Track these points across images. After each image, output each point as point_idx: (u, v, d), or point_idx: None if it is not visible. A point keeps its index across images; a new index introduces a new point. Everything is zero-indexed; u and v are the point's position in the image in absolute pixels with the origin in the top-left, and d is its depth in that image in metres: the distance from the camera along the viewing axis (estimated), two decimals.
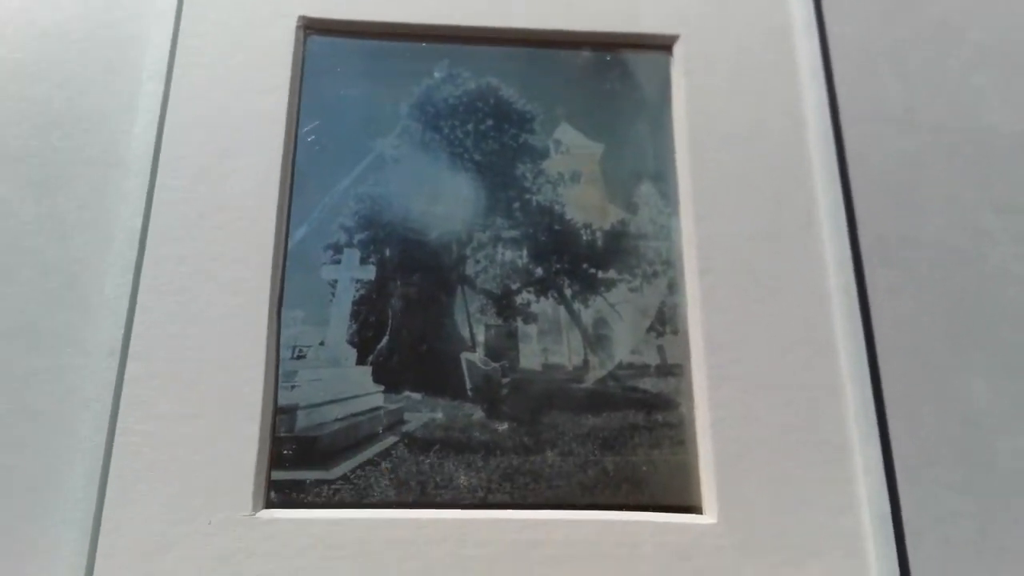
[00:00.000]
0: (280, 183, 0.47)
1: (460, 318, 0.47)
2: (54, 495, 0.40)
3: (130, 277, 0.44)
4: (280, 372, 0.44)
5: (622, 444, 0.45)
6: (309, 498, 0.42)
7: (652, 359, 0.48)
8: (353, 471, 0.43)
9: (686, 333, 0.48)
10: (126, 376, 0.42)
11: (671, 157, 0.52)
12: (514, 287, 0.48)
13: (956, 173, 0.53)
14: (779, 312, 0.48)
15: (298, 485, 0.43)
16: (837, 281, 0.49)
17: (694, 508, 0.44)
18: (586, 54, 0.54)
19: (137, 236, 0.45)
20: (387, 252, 0.48)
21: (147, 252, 0.45)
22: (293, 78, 0.50)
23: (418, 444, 0.44)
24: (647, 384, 0.47)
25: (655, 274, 0.49)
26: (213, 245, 0.45)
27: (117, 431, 0.42)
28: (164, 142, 0.47)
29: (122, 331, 0.43)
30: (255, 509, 0.41)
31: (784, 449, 0.45)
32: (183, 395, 0.43)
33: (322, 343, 0.45)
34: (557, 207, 0.50)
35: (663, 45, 0.54)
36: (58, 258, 0.45)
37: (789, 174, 0.51)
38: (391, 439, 0.44)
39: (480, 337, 0.47)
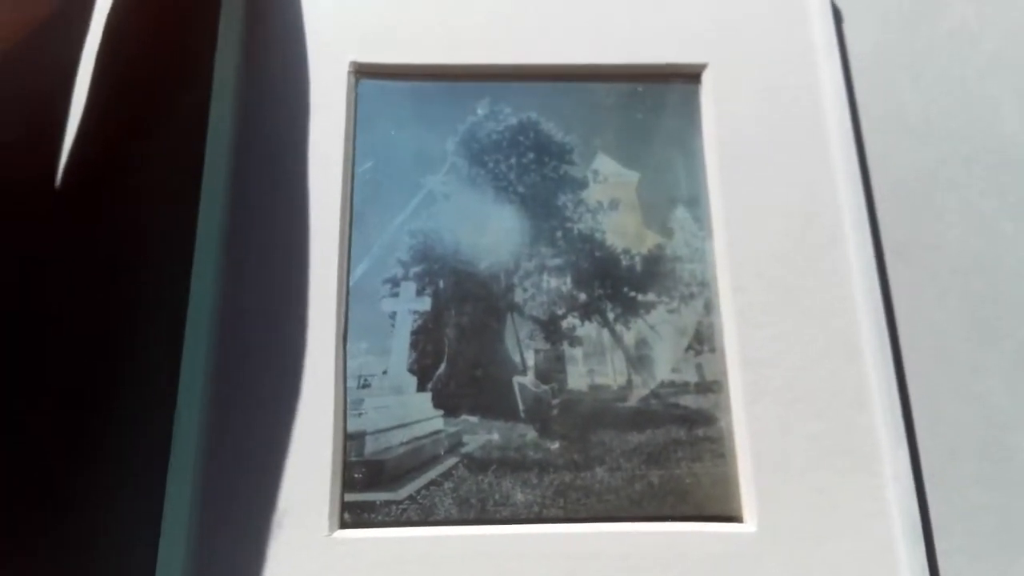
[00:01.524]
0: (340, 222, 0.52)
1: (511, 343, 0.51)
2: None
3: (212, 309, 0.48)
4: (348, 401, 0.48)
5: (666, 459, 0.49)
6: (379, 518, 0.47)
7: (692, 376, 0.51)
8: (418, 491, 0.47)
9: (723, 351, 0.52)
10: (213, 400, 0.47)
11: (703, 182, 0.56)
12: (560, 312, 0.52)
13: (974, 180, 0.56)
14: (809, 326, 0.51)
15: (369, 506, 0.47)
16: (863, 292, 0.52)
17: (735, 517, 0.48)
18: (619, 86, 0.57)
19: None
20: (441, 284, 0.52)
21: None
22: (348, 120, 0.54)
23: (477, 464, 0.48)
24: (688, 401, 0.51)
25: (692, 295, 0.53)
26: (282, 284, 0.50)
27: (206, 453, 0.46)
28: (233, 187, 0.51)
29: (208, 362, 0.47)
30: (331, 530, 0.45)
31: (818, 458, 0.49)
32: (263, 422, 0.47)
33: (385, 372, 0.49)
34: (597, 234, 0.54)
35: (692, 74, 0.58)
36: None
37: (815, 191, 0.55)
38: (452, 460, 0.48)
39: (530, 361, 0.51)
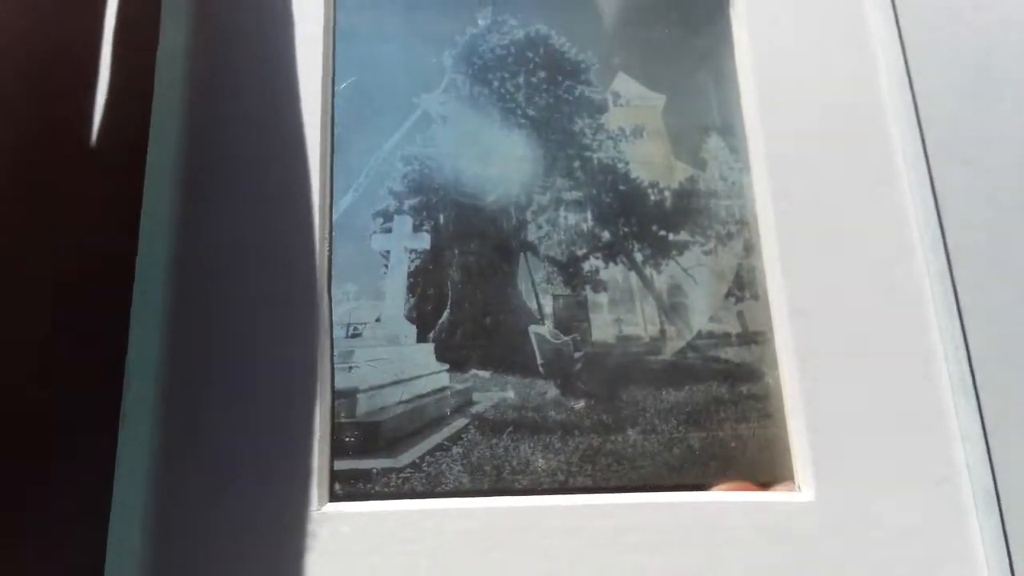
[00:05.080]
0: (321, 145, 0.45)
1: (524, 288, 0.46)
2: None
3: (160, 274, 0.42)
4: (335, 352, 0.42)
5: (707, 419, 0.44)
6: (377, 488, 0.41)
7: (733, 327, 0.46)
8: (422, 457, 0.41)
9: (767, 298, 0.47)
10: (168, 367, 0.40)
11: (737, 108, 0.51)
12: (580, 253, 0.47)
13: None
14: (862, 272, 0.47)
15: (364, 475, 0.41)
16: (921, 235, 0.47)
17: (787, 485, 0.43)
18: None
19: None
20: (440, 219, 0.46)
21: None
22: (326, 31, 0.48)
23: (490, 426, 0.42)
24: (729, 354, 0.46)
25: (729, 235, 0.48)
26: (251, 218, 0.43)
27: (163, 416, 0.40)
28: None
29: (161, 320, 0.41)
30: (320, 503, 0.39)
31: (878, 419, 0.44)
32: (233, 379, 0.41)
33: (378, 319, 0.44)
34: (620, 165, 0.49)
35: None
36: None
37: (863, 120, 0.50)
38: (461, 421, 0.42)
39: (548, 308, 0.45)
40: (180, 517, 0.38)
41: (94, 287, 0.41)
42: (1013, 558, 0.42)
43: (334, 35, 0.49)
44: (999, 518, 0.43)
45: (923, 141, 0.50)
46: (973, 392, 0.45)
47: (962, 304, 0.47)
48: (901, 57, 0.51)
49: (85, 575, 0.38)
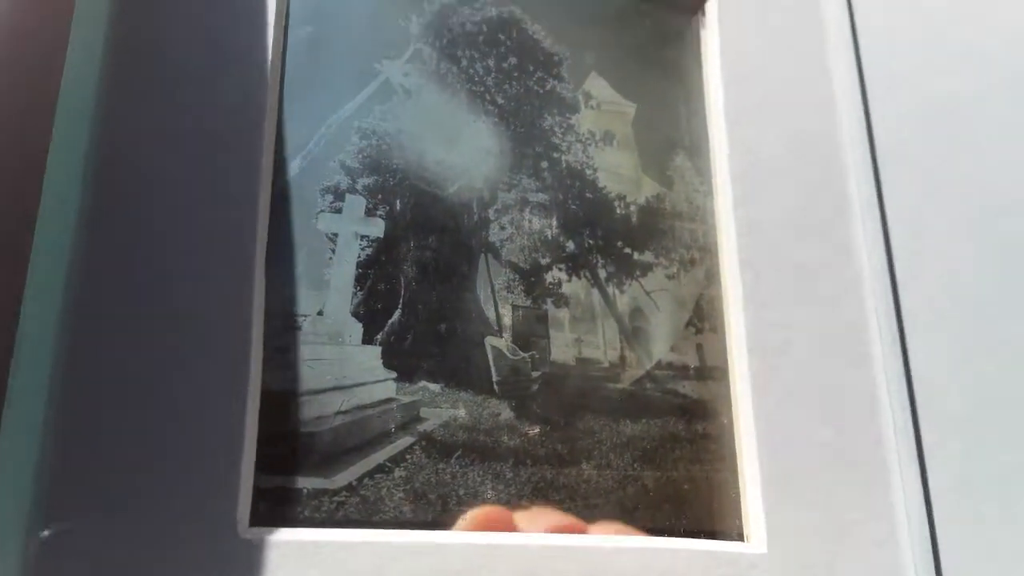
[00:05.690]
0: (268, 97, 0.39)
1: (484, 294, 0.41)
2: None
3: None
4: (268, 347, 0.36)
5: (663, 457, 0.41)
6: (306, 513, 0.35)
7: (692, 360, 0.44)
8: (360, 479, 0.36)
9: (725, 332, 0.45)
10: (63, 358, 0.33)
11: (704, 128, 0.48)
12: (544, 262, 0.43)
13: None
14: (819, 314, 0.46)
15: (292, 496, 0.35)
16: (872, 279, 0.47)
17: (738, 534, 0.41)
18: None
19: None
20: (397, 205, 0.41)
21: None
22: None
23: (437, 447, 0.38)
24: (687, 388, 0.43)
25: (692, 261, 0.46)
26: (172, 179, 0.36)
27: (52, 423, 0.32)
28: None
29: (62, 296, 0.33)
30: (241, 526, 0.33)
31: (825, 469, 0.43)
32: (141, 372, 0.33)
33: (320, 312, 0.38)
34: (589, 172, 0.45)
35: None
36: None
37: (822, 151, 0.50)
38: (406, 440, 0.37)
39: (507, 319, 0.41)
40: (69, 538, 0.31)
41: None
42: None
43: None
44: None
45: (876, 175, 0.50)
46: (915, 447, 0.45)
47: (908, 358, 0.47)
48: (859, 89, 0.51)
49: None
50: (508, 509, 0.37)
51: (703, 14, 0.51)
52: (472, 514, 0.37)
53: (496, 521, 0.36)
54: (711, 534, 0.41)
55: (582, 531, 0.38)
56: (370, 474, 0.36)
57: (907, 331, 0.48)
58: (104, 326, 0.33)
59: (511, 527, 0.37)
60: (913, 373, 0.47)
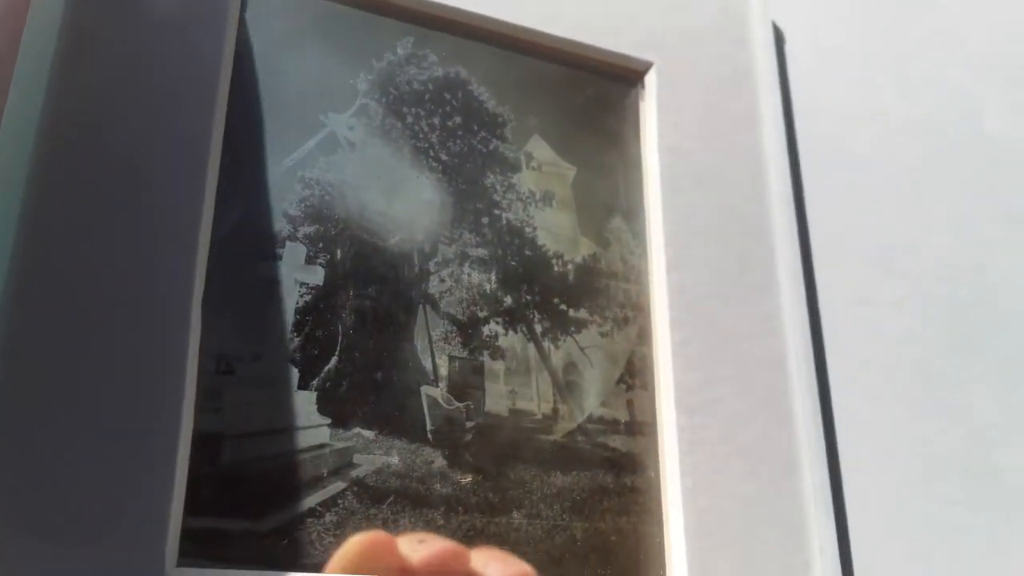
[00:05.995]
0: (212, 149, 0.40)
1: (421, 344, 0.42)
2: None
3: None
4: (201, 389, 0.36)
5: (591, 509, 0.42)
6: (234, 552, 0.35)
7: (622, 415, 0.45)
8: (290, 523, 0.36)
9: (655, 389, 0.46)
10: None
11: (640, 194, 0.51)
12: (481, 315, 0.44)
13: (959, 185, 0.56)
14: (744, 376, 0.48)
15: (220, 536, 0.35)
16: (796, 345, 0.49)
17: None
18: (560, 66, 0.51)
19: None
20: (338, 253, 0.42)
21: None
22: (230, 18, 0.43)
23: (369, 493, 0.38)
24: (617, 442, 0.44)
25: (626, 319, 0.47)
26: (110, 219, 0.37)
27: None
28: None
29: None
30: (167, 565, 0.33)
31: (748, 524, 0.45)
32: (73, 409, 0.34)
33: (256, 358, 0.38)
34: (528, 230, 0.47)
35: (635, 71, 0.53)
36: None
37: (753, 227, 0.52)
38: (338, 485, 0.38)
39: (443, 370, 0.42)
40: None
41: None
42: None
43: (246, 27, 0.43)
44: None
45: (805, 246, 0.53)
46: (831, 511, 0.46)
47: (832, 412, 0.49)
48: (789, 164, 0.54)
49: None
50: (392, 535, 0.37)
51: (643, 87, 0.53)
52: (356, 539, 0.36)
53: (378, 545, 0.36)
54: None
55: (464, 557, 0.38)
56: (300, 518, 0.36)
57: (830, 393, 0.50)
58: (36, 363, 0.33)
59: (394, 554, 0.36)
60: (836, 433, 0.49)
